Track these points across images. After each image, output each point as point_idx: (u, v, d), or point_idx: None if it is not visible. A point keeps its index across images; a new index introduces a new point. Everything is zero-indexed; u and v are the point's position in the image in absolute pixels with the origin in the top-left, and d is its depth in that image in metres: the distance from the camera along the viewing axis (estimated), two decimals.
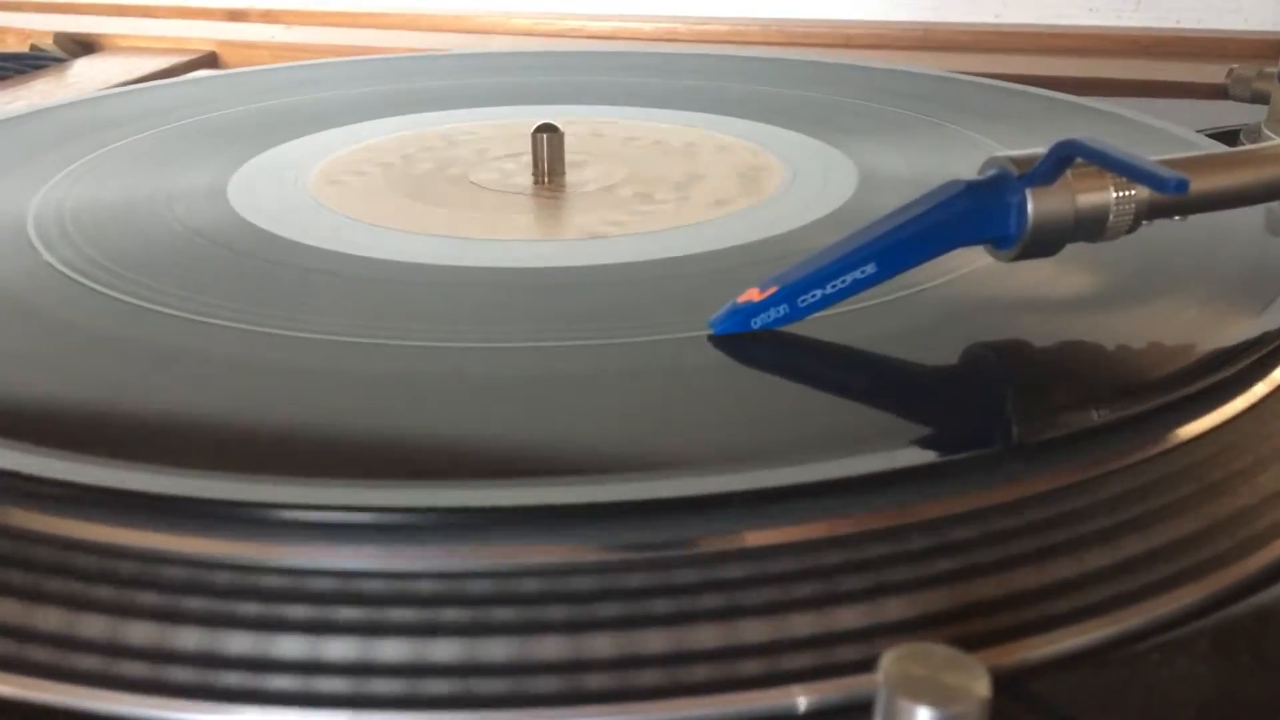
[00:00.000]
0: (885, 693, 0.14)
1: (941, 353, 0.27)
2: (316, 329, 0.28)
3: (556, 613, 0.19)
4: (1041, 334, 0.28)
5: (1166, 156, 0.27)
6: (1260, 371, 0.26)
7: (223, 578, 0.20)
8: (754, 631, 0.19)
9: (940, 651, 0.14)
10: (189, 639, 0.19)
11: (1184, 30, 0.73)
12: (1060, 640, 0.19)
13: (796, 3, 0.79)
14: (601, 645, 0.19)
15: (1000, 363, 0.27)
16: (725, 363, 0.26)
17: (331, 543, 0.20)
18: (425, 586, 0.19)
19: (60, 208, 0.36)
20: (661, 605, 0.19)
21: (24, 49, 0.75)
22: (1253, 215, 0.33)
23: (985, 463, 0.22)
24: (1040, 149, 0.26)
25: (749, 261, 0.32)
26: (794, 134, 0.44)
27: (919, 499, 0.21)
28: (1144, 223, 0.27)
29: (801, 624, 0.19)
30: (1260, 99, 0.50)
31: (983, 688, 0.14)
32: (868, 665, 0.16)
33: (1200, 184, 0.27)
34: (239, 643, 0.19)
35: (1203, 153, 0.28)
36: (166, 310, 0.29)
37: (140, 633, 0.19)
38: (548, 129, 0.40)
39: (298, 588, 0.19)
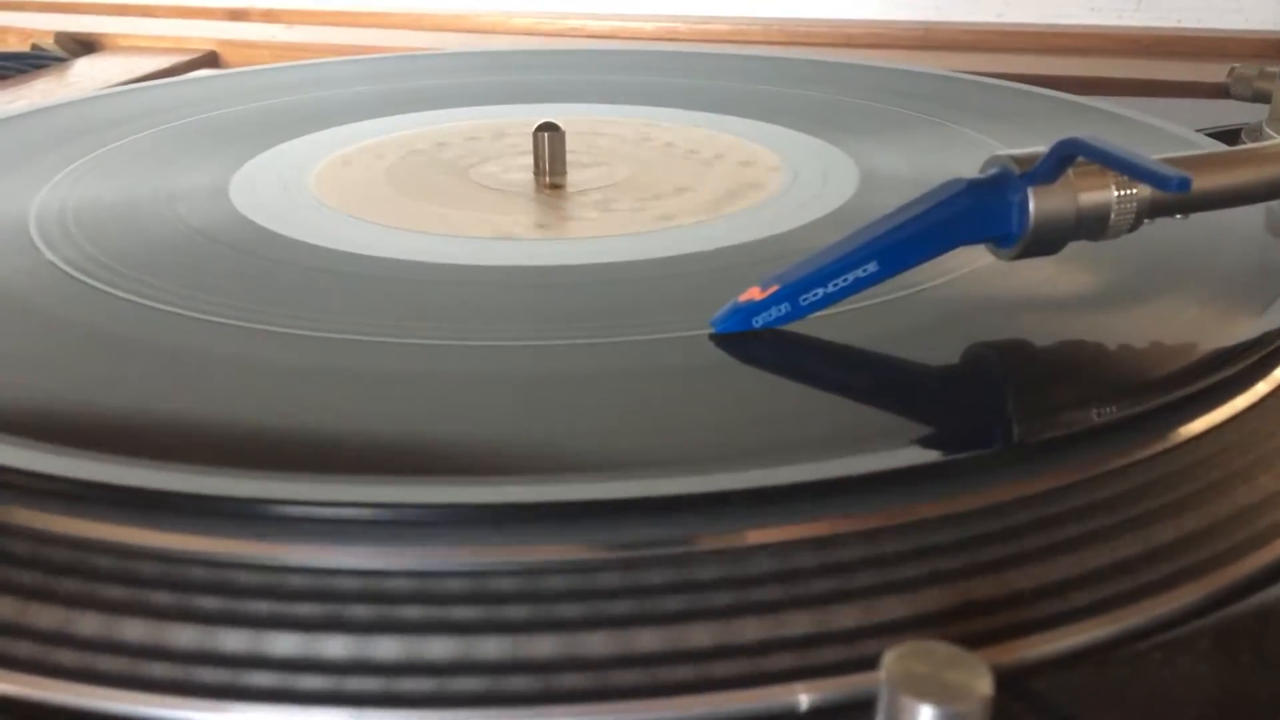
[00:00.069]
0: (887, 691, 0.14)
1: (942, 352, 0.27)
2: (318, 327, 0.28)
3: (556, 610, 0.19)
4: (1042, 333, 0.28)
5: (1168, 155, 0.27)
6: (1261, 371, 0.26)
7: (224, 575, 0.20)
8: (756, 630, 0.19)
9: (942, 649, 0.14)
10: (190, 636, 0.19)
11: (1185, 30, 0.73)
12: (1061, 639, 0.19)
13: (797, 2, 0.79)
14: (602, 643, 0.19)
15: (1001, 362, 0.27)
16: (726, 362, 0.26)
17: (331, 540, 0.20)
18: (425, 585, 0.19)
19: (62, 207, 0.36)
20: (662, 604, 0.19)
21: (25, 48, 0.75)
22: (1253, 214, 0.33)
23: (986, 462, 0.22)
24: (1042, 148, 0.26)
25: (749, 261, 0.32)
26: (795, 133, 0.44)
27: (920, 498, 0.21)
28: (1145, 221, 0.27)
29: (803, 622, 0.19)
30: (1261, 98, 0.50)
31: (985, 686, 0.14)
32: (870, 663, 0.16)
33: (1202, 182, 0.27)
34: (237, 640, 0.19)
35: (1204, 151, 0.28)
36: (169, 309, 0.29)
37: (139, 631, 0.19)
38: (549, 128, 0.40)
39: (298, 585, 0.19)
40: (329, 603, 0.19)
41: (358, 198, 0.38)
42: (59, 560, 0.20)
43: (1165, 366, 0.26)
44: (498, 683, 0.18)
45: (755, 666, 0.19)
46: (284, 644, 0.19)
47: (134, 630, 0.19)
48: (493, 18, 0.81)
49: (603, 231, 0.35)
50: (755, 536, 0.20)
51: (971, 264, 0.30)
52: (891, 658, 0.14)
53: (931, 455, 0.22)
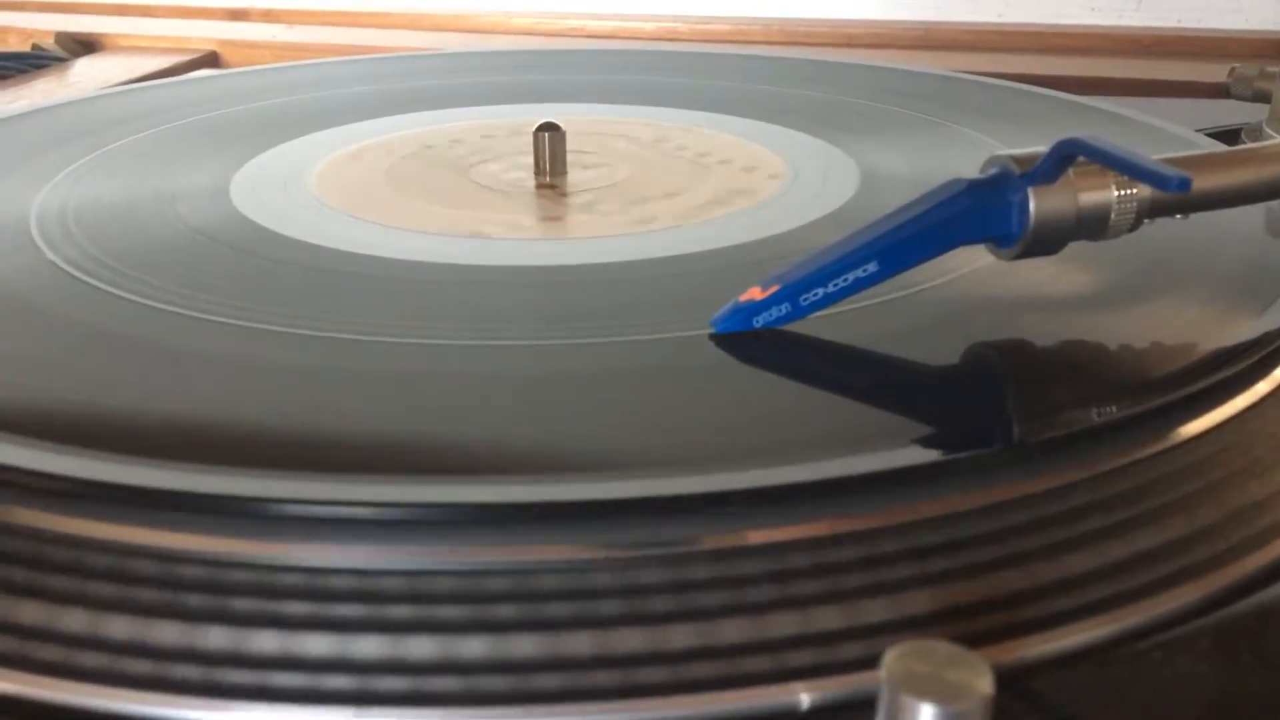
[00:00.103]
0: (888, 690, 0.14)
1: (942, 352, 0.27)
2: (318, 327, 0.28)
3: (557, 610, 0.19)
4: (1042, 333, 0.28)
5: (1168, 155, 0.27)
6: (1261, 371, 0.26)
7: (225, 574, 0.20)
8: (756, 629, 0.19)
9: (943, 648, 0.14)
10: (188, 636, 0.19)
11: (1185, 30, 0.73)
12: (1061, 638, 0.19)
13: (798, 2, 0.79)
14: (603, 643, 0.19)
15: (1001, 362, 0.27)
16: (726, 362, 0.26)
17: (331, 539, 0.20)
18: (425, 584, 0.19)
19: (63, 207, 0.36)
20: (662, 603, 0.19)
21: (25, 48, 0.75)
22: (1253, 214, 0.33)
23: (986, 462, 0.22)
24: (1042, 148, 0.26)
25: (749, 261, 0.32)
26: (795, 133, 0.44)
27: (920, 498, 0.21)
28: (1145, 221, 0.27)
29: (804, 621, 0.19)
30: (1262, 98, 0.50)
31: (986, 685, 0.14)
32: (871, 662, 0.16)
33: (1202, 182, 0.27)
34: (234, 638, 0.19)
35: (1204, 152, 0.28)
36: (169, 309, 0.29)
37: (138, 629, 0.19)
38: (549, 128, 0.40)
39: (298, 584, 0.19)
40: (319, 602, 0.19)
41: (358, 198, 0.38)
42: (59, 560, 0.20)
43: (1165, 366, 0.26)
44: (499, 680, 0.18)
45: (755, 666, 0.19)
46: (315, 644, 0.19)
47: (131, 628, 0.19)
48: (493, 18, 0.81)
49: (603, 231, 0.35)
50: (754, 537, 0.20)
51: (972, 264, 0.30)
52: (892, 657, 0.14)
53: (932, 455, 0.22)
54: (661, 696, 0.18)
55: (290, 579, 0.20)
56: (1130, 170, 0.25)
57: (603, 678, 0.18)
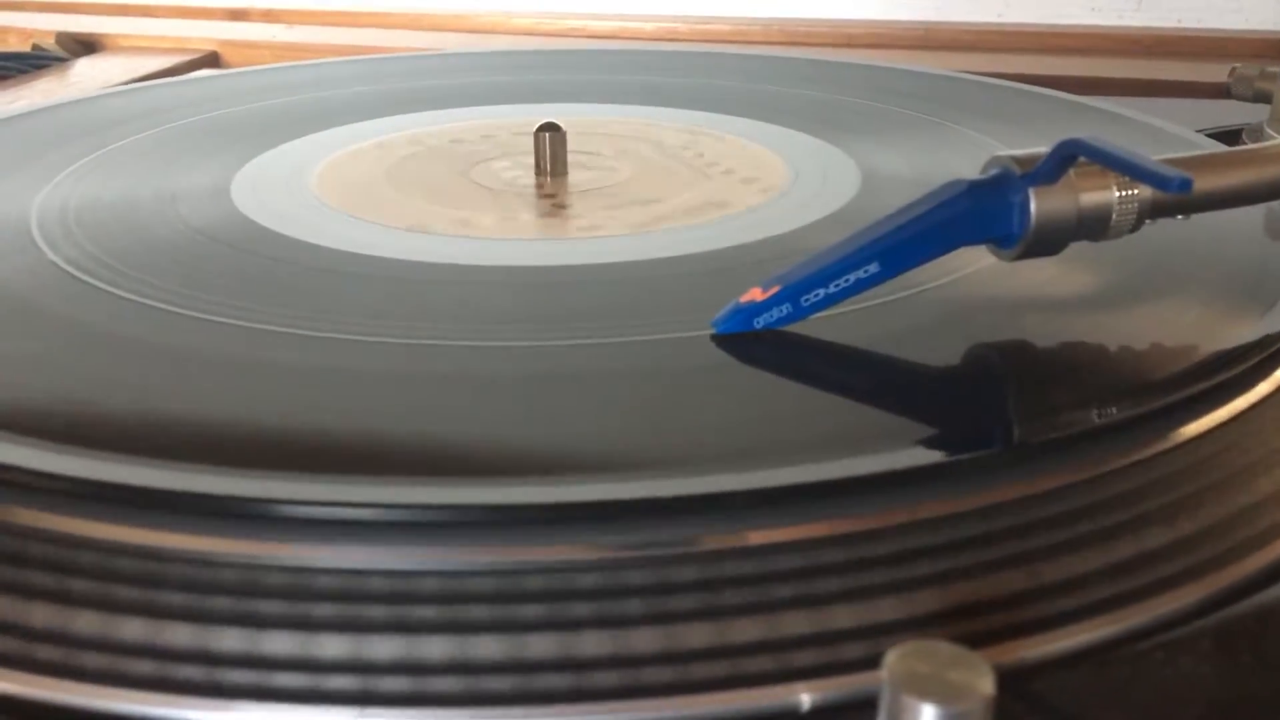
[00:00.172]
0: (890, 690, 0.14)
1: (943, 353, 0.27)
2: (318, 327, 0.28)
3: (557, 611, 0.19)
4: (1043, 334, 0.28)
5: (1169, 156, 0.27)
6: (1262, 372, 0.26)
7: (224, 574, 0.20)
8: (757, 630, 0.19)
9: (945, 649, 0.14)
10: (189, 636, 0.19)
11: (1185, 30, 0.73)
12: (1062, 639, 0.19)
13: (798, 2, 0.79)
14: (604, 643, 0.19)
15: (1002, 363, 0.27)
16: (727, 362, 0.26)
17: (330, 539, 0.20)
18: (426, 584, 0.19)
19: (63, 207, 0.36)
20: (664, 604, 0.19)
21: (26, 48, 0.75)
22: (1254, 215, 0.33)
23: (987, 463, 0.22)
24: (1043, 148, 0.26)
25: (749, 261, 0.32)
26: (795, 133, 0.44)
27: (921, 498, 0.21)
28: (1146, 222, 0.27)
29: (805, 622, 0.19)
30: (1262, 98, 0.50)
31: (987, 685, 0.14)
32: (872, 663, 0.16)
33: (1203, 183, 0.27)
34: (234, 639, 0.19)
35: (1205, 152, 0.28)
36: (169, 309, 0.29)
37: (138, 629, 0.19)
38: (550, 128, 0.40)
39: (298, 585, 0.19)
40: (320, 602, 0.19)
41: (358, 197, 0.38)
42: (59, 560, 0.20)
43: (1166, 368, 0.26)
44: (498, 680, 0.18)
45: (756, 666, 0.19)
46: (290, 643, 0.19)
47: (131, 629, 0.19)
48: (493, 18, 0.81)
49: (603, 231, 0.35)
50: (755, 537, 0.20)
51: (973, 264, 0.30)
52: (894, 657, 0.14)
53: (933, 456, 0.22)
54: (662, 697, 0.18)
55: (290, 579, 0.20)
56: (1131, 171, 0.25)
57: (603, 678, 0.18)
